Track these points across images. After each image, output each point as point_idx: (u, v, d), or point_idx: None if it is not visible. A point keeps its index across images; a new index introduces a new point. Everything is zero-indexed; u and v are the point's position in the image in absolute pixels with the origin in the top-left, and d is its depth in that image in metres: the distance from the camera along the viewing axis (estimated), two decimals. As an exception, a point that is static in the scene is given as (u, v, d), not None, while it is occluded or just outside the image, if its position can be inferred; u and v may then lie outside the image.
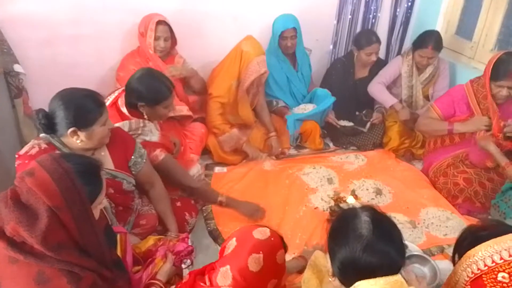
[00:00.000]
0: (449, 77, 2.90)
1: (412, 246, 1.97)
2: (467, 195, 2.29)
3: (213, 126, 2.62)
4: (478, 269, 0.99)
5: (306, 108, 2.83)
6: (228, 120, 2.65)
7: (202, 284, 1.21)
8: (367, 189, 2.45)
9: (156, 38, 2.48)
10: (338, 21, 3.15)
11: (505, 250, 0.97)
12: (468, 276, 1.02)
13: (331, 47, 3.23)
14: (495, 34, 2.71)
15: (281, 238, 1.27)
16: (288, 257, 1.93)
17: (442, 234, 2.13)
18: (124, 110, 1.93)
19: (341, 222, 1.06)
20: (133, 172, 1.74)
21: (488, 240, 1.01)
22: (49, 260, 0.97)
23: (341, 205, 2.13)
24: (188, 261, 1.56)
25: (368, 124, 2.89)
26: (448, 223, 2.19)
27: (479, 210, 2.28)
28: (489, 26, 2.73)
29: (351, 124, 2.94)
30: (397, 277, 0.97)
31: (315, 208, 2.28)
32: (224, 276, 1.17)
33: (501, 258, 0.96)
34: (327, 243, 1.07)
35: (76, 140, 1.50)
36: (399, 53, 3.33)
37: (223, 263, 1.20)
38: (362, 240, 0.96)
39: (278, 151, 2.76)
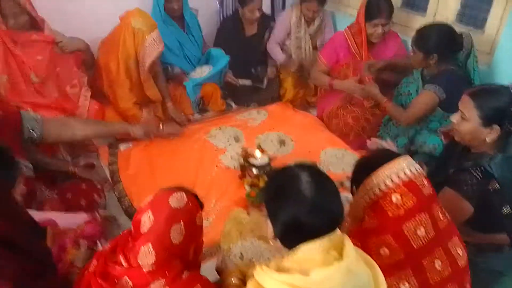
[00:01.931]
0: (333, 29, 3.10)
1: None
2: (356, 131, 2.57)
3: (125, 110, 2.51)
4: (374, 194, 1.13)
5: (203, 71, 2.83)
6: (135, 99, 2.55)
7: (117, 267, 1.12)
8: (271, 141, 2.59)
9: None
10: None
11: (394, 174, 1.11)
12: (366, 202, 1.15)
13: (218, 5, 3.22)
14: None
15: (196, 197, 1.26)
16: (206, 222, 2.03)
17: (340, 170, 2.38)
18: None
19: (281, 183, 1.02)
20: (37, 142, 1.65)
21: (378, 167, 1.14)
22: None
23: (250, 160, 2.23)
24: (103, 240, 1.53)
25: (265, 80, 3.00)
26: (344, 159, 2.44)
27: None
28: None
29: (249, 82, 3.03)
30: (337, 232, 0.97)
31: (226, 168, 2.37)
32: (147, 255, 1.09)
33: (392, 181, 1.11)
34: (266, 204, 1.04)
35: None
36: (283, 6, 3.46)
37: (143, 241, 1.11)
38: (307, 201, 0.95)
39: (182, 118, 2.75)
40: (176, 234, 1.12)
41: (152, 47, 2.37)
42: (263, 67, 3.16)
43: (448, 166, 1.55)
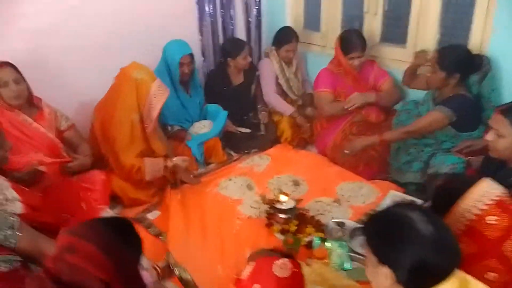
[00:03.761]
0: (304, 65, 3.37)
1: (349, 222, 2.17)
2: (365, 161, 2.63)
3: (126, 166, 2.37)
4: (468, 219, 1.14)
5: (202, 125, 2.82)
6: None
7: None
8: (286, 184, 2.58)
9: (2, 85, 2.05)
10: (202, 35, 3.21)
11: (485, 196, 1.14)
12: (460, 230, 1.15)
13: (202, 59, 3.28)
14: (338, 23, 3.16)
15: (299, 264, 1.23)
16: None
17: (361, 202, 2.40)
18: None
19: (392, 227, 0.99)
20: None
21: (463, 193, 1.16)
22: None
23: (276, 205, 2.20)
24: None
25: (263, 126, 3.04)
26: (361, 191, 2.47)
27: (379, 172, 2.65)
28: (332, 16, 3.15)
29: (247, 129, 3.05)
30: (458, 272, 0.95)
31: (248, 218, 2.31)
32: None
33: (484, 204, 1.13)
34: (377, 252, 1.00)
35: None
36: (259, 54, 3.58)
37: None
38: (430, 241, 0.93)
39: (194, 181, 2.66)
40: None
41: (158, 95, 2.32)
42: (255, 113, 3.21)
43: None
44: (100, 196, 2.26)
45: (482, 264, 1.10)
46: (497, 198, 1.14)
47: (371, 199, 2.42)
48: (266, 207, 2.34)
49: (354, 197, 2.44)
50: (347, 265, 1.87)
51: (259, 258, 1.24)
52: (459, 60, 2.20)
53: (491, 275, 1.09)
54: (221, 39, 3.34)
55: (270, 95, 3.14)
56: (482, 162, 1.83)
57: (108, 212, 2.24)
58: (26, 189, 1.88)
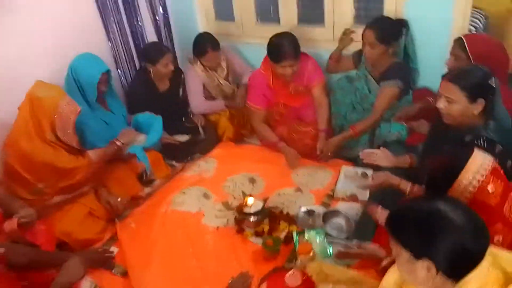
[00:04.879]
0: (238, 57, 3.14)
1: (317, 208, 2.21)
2: (309, 148, 2.65)
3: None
4: (470, 192, 1.20)
5: (139, 140, 2.57)
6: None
7: None
8: (242, 184, 2.52)
9: None
10: (111, 42, 2.92)
11: (481, 167, 1.20)
12: (466, 198, 1.21)
13: (115, 68, 2.99)
14: (253, 10, 3.10)
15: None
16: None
17: (320, 185, 2.45)
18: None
19: (422, 221, 1.00)
20: None
21: (462, 167, 1.21)
22: None
23: (245, 210, 2.13)
24: None
25: (201, 129, 2.90)
26: (317, 175, 2.52)
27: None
28: (245, 3, 3.06)
29: (186, 136, 2.88)
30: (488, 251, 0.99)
31: (217, 229, 2.21)
32: None
33: (482, 175, 1.19)
34: (410, 248, 1.01)
35: None
36: (175, 56, 3.37)
37: None
38: (465, 229, 0.96)
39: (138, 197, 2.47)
40: None
41: (68, 109, 2.09)
42: (186, 116, 3.05)
43: (437, 147, 1.76)
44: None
45: (490, 230, 1.16)
46: (491, 167, 1.22)
47: (327, 180, 2.49)
48: (231, 213, 2.27)
49: (312, 182, 2.48)
50: (329, 251, 1.91)
51: (268, 279, 1.18)
52: (393, 30, 2.33)
53: (496, 238, 1.18)
54: (131, 44, 3.08)
55: (200, 107, 3.00)
56: (431, 128, 1.96)
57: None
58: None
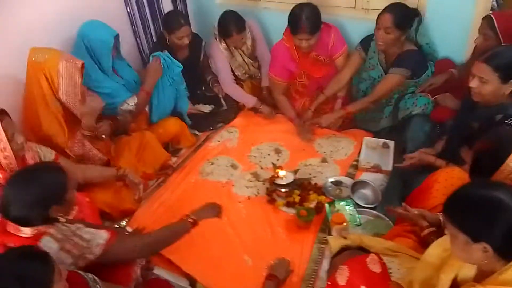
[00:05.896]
0: (262, 35, 3.04)
1: (344, 179, 2.32)
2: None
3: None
4: None
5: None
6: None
7: None
8: (269, 155, 2.61)
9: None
10: (128, 7, 2.87)
11: None
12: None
13: (136, 40, 2.97)
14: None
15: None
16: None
17: (344, 155, 2.55)
18: None
19: (488, 209, 1.07)
20: None
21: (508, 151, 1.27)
22: None
23: (277, 181, 2.23)
24: None
25: (222, 100, 2.94)
26: (340, 144, 2.62)
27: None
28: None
29: (209, 107, 2.92)
30: None
31: (248, 198, 2.31)
32: None
33: None
34: (467, 231, 1.09)
35: None
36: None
37: None
38: None
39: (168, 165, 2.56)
40: None
41: (69, 66, 2.06)
42: (206, 86, 3.07)
43: (466, 123, 1.84)
44: (91, 220, 2.07)
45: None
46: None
47: (350, 150, 2.58)
48: (260, 184, 2.37)
49: (335, 152, 2.57)
50: (358, 221, 2.05)
51: (348, 261, 1.28)
52: (410, 17, 2.35)
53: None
54: (147, 12, 3.03)
55: (229, 85, 2.95)
56: (461, 105, 2.03)
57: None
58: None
